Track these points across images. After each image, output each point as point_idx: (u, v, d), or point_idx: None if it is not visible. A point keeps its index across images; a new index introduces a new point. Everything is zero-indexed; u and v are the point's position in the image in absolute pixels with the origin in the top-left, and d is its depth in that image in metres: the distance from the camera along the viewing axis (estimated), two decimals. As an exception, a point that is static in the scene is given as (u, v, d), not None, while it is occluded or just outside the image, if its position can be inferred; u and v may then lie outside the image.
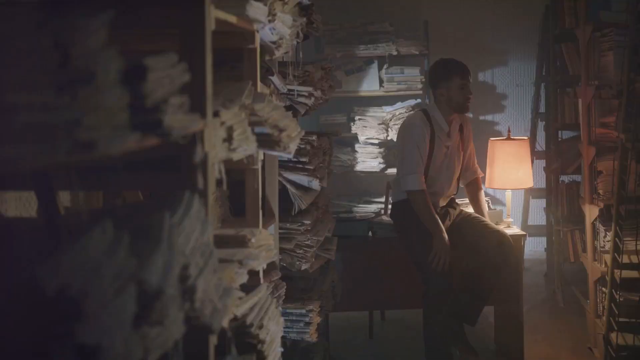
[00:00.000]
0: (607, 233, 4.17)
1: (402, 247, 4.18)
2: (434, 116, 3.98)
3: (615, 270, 3.89)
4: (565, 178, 5.81)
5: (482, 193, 4.21)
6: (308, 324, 3.12)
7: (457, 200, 4.27)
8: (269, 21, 2.21)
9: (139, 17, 1.49)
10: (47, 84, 0.85)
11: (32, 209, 1.92)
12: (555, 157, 5.72)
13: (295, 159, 3.17)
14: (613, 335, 3.90)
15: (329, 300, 3.57)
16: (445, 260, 3.80)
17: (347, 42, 6.26)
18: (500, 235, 3.91)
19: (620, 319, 3.87)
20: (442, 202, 4.09)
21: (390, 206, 4.39)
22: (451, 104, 3.95)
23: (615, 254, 3.89)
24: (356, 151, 6.35)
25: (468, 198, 4.26)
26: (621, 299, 3.87)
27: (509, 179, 4.41)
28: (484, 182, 4.41)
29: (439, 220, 3.90)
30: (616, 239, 3.89)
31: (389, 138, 6.30)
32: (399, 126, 6.29)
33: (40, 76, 0.85)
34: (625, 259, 3.89)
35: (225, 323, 1.52)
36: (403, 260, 4.31)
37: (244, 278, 1.82)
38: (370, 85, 6.35)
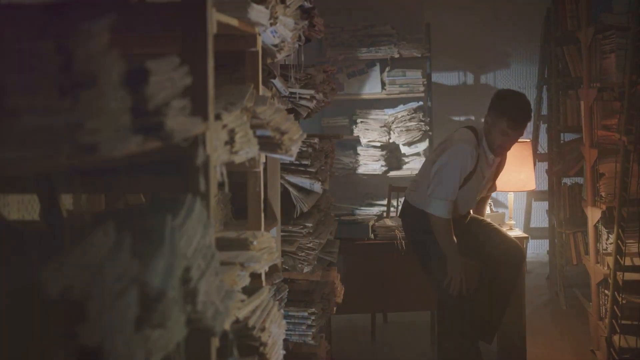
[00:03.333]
0: (610, 235, 4.16)
1: (409, 250, 4.16)
2: (482, 144, 3.71)
3: (618, 273, 3.89)
4: (567, 180, 5.81)
5: (489, 200, 4.19)
6: (310, 326, 3.12)
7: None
8: (271, 24, 2.21)
9: (141, 20, 1.49)
10: (49, 88, 0.86)
11: (35, 212, 1.92)
12: (557, 159, 5.72)
13: (297, 162, 3.18)
14: (616, 337, 3.89)
15: (331, 302, 3.57)
16: (461, 283, 3.66)
17: (349, 45, 6.27)
18: (514, 245, 3.82)
19: (623, 322, 3.86)
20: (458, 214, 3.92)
21: (402, 204, 4.16)
22: (488, 137, 3.68)
23: (618, 257, 3.88)
24: (358, 154, 6.35)
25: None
26: (624, 302, 3.87)
27: (511, 182, 4.41)
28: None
29: (456, 246, 3.71)
30: (618, 241, 3.88)
31: (391, 140, 6.31)
32: (401, 129, 6.35)
33: (43, 80, 0.86)
34: (627, 262, 3.89)
35: (227, 325, 1.52)
36: (405, 262, 4.32)
37: (245, 281, 1.82)
38: (372, 87, 6.36)
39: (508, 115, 3.54)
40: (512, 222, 4.43)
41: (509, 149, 3.71)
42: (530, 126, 6.49)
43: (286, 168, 3.19)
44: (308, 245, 3.24)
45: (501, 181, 4.44)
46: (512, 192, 4.57)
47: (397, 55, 6.22)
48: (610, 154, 4.27)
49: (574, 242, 5.44)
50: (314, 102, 3.16)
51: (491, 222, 4.03)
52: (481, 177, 3.74)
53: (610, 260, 4.03)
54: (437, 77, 6.68)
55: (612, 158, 4.18)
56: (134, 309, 1.04)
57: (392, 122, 6.29)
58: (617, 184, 3.96)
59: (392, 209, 5.72)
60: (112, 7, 0.99)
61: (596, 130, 4.44)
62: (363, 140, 6.31)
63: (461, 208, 3.83)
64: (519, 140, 3.99)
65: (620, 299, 3.87)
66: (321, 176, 3.31)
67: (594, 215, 4.40)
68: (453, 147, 3.67)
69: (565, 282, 5.45)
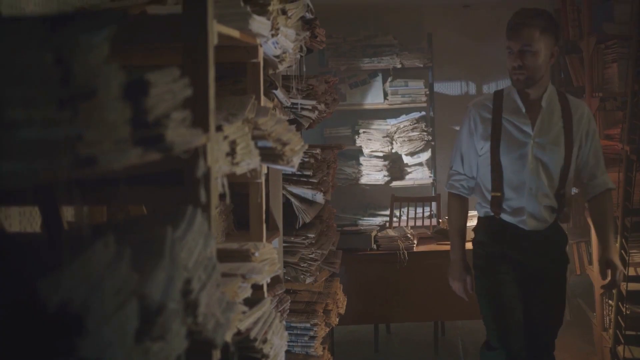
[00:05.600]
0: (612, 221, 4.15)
1: (412, 261, 4.11)
2: (507, 91, 2.98)
3: (622, 283, 3.87)
4: (570, 190, 5.79)
5: (609, 213, 3.03)
6: (312, 337, 3.10)
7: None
8: (272, 35, 2.22)
9: (142, 31, 1.50)
10: (48, 100, 0.86)
11: (36, 224, 1.92)
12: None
13: (299, 173, 3.18)
14: (620, 348, 3.87)
15: (334, 313, 3.56)
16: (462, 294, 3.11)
17: (351, 55, 6.28)
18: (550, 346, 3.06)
19: (627, 332, 3.85)
20: (532, 224, 2.93)
21: None
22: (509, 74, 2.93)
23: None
24: (361, 164, 6.35)
25: (590, 219, 3.18)
26: (628, 312, 3.85)
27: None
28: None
29: (459, 244, 3.09)
30: (622, 251, 3.87)
31: (393, 151, 6.31)
32: (403, 139, 6.35)
33: (42, 92, 0.85)
34: (631, 272, 3.88)
35: (228, 337, 1.51)
36: (408, 273, 4.31)
37: (247, 292, 1.82)
38: (374, 98, 6.36)
39: (508, 28, 2.88)
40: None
41: (520, 72, 2.83)
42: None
43: (288, 179, 3.19)
44: (310, 256, 3.24)
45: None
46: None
47: (399, 66, 6.23)
48: (613, 163, 4.26)
49: (577, 252, 5.42)
50: (316, 112, 3.16)
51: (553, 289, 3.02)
52: (518, 136, 2.89)
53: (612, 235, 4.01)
54: (439, 87, 6.69)
55: (614, 167, 4.17)
56: (134, 322, 1.03)
57: (395, 132, 6.29)
58: (620, 194, 3.95)
59: (394, 219, 5.71)
60: (112, 18, 0.99)
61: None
62: (365, 151, 6.31)
63: (517, 198, 2.90)
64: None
65: (624, 310, 3.86)
66: (323, 187, 3.31)
67: (597, 225, 4.39)
68: None
69: (569, 292, 5.44)
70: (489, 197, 2.95)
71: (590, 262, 4.80)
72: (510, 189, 2.91)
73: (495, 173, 2.92)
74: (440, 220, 5.19)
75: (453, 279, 3.10)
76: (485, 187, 2.98)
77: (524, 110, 2.91)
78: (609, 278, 3.00)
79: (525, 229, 2.92)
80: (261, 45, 2.20)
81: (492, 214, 2.97)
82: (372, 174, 6.32)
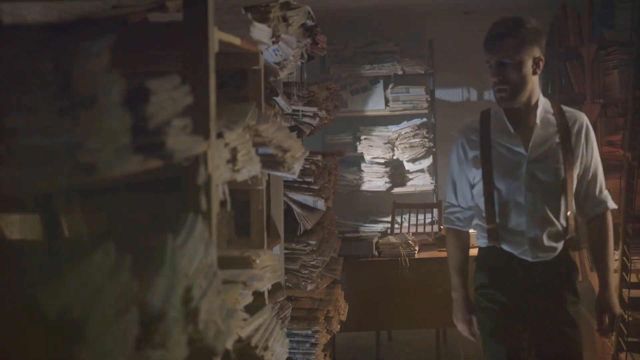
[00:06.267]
0: (615, 252, 4.14)
1: (413, 268, 4.08)
2: (495, 110, 2.69)
3: (624, 290, 3.86)
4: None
5: (609, 237, 2.72)
6: (314, 345, 3.10)
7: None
8: (273, 42, 2.22)
9: (143, 39, 1.50)
10: (49, 108, 0.86)
11: (37, 232, 1.92)
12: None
13: (300, 179, 3.18)
14: (622, 355, 3.86)
15: (335, 320, 3.56)
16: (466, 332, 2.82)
17: (353, 62, 6.28)
18: None
19: (629, 339, 3.83)
20: (536, 254, 2.63)
21: None
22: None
23: (623, 273, 3.86)
24: (362, 170, 6.35)
25: (588, 243, 2.80)
26: (630, 319, 3.84)
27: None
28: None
29: (460, 283, 2.80)
30: (624, 258, 3.87)
31: (394, 157, 6.31)
32: (404, 145, 6.36)
33: (42, 100, 0.86)
34: (633, 278, 3.87)
35: (229, 345, 1.51)
36: (409, 280, 4.30)
37: (248, 299, 1.82)
38: (375, 104, 6.37)
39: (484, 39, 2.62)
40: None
41: (502, 88, 2.56)
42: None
43: (289, 185, 3.19)
44: (311, 263, 3.24)
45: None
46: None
47: (400, 72, 6.24)
48: (614, 170, 4.26)
49: (579, 258, 5.41)
50: (317, 119, 3.16)
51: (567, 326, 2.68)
52: (514, 162, 2.62)
53: (615, 277, 4.01)
54: (440, 94, 6.69)
55: (616, 174, 4.16)
56: (135, 329, 1.03)
57: (396, 139, 6.29)
58: (621, 200, 3.94)
59: (396, 225, 5.70)
60: (113, 26, 0.99)
61: (600, 147, 4.43)
62: (367, 157, 6.31)
63: (515, 221, 2.64)
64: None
65: (626, 316, 3.85)
66: (324, 193, 3.31)
67: (599, 231, 4.38)
68: None
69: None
70: (487, 227, 2.68)
71: (592, 269, 4.79)
72: (508, 217, 2.64)
73: (490, 202, 2.65)
74: (442, 227, 5.19)
75: (457, 319, 2.82)
76: (482, 216, 2.69)
77: (512, 129, 2.62)
78: (606, 323, 2.71)
79: (529, 261, 2.62)
80: (262, 53, 2.20)
81: (492, 244, 2.68)
82: (374, 180, 6.32)
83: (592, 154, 2.67)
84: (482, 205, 2.68)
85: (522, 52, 2.54)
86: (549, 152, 2.62)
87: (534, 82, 2.60)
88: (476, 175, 2.68)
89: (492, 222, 2.66)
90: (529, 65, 2.56)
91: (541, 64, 2.59)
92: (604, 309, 2.73)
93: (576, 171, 2.64)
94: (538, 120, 2.62)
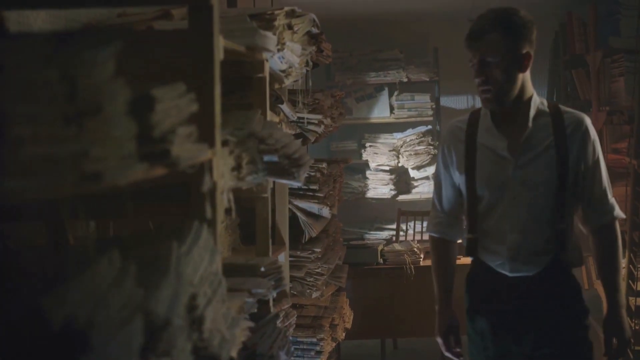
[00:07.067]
0: (621, 260, 4.13)
1: (419, 275, 4.07)
2: (485, 110, 2.45)
3: (630, 298, 3.85)
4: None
5: (617, 250, 2.49)
6: (319, 352, 3.09)
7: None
8: (278, 50, 2.22)
9: (148, 47, 1.50)
10: (54, 116, 0.86)
11: (43, 239, 1.92)
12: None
13: (305, 187, 3.18)
14: (629, 363, 3.84)
15: (340, 328, 3.55)
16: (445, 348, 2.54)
17: (358, 70, 6.29)
18: None
19: (636, 348, 3.82)
20: (515, 268, 2.37)
21: None
22: None
23: (630, 281, 3.85)
24: (367, 178, 6.35)
25: (594, 256, 2.60)
26: (636, 327, 3.83)
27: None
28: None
29: (439, 295, 2.54)
30: (630, 265, 3.85)
31: (399, 164, 6.31)
32: (410, 153, 6.35)
33: (48, 108, 0.86)
34: (639, 286, 3.86)
35: (234, 353, 1.50)
36: (415, 287, 4.29)
37: (253, 307, 1.81)
38: (380, 112, 6.37)
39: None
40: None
41: (486, 89, 2.34)
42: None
43: (294, 193, 3.19)
44: (316, 270, 3.23)
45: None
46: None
47: (405, 80, 6.24)
48: (620, 177, 4.25)
49: (585, 266, 5.39)
50: (322, 126, 3.16)
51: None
52: (495, 161, 2.39)
53: (622, 285, 3.99)
54: (445, 101, 6.68)
55: (622, 182, 4.15)
56: (139, 338, 1.03)
57: (401, 146, 6.29)
58: (627, 208, 3.93)
59: (401, 233, 5.70)
60: (118, 34, 0.99)
61: (606, 154, 4.43)
62: (372, 164, 6.31)
63: (499, 234, 2.38)
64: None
65: (632, 325, 3.83)
66: (329, 201, 3.30)
67: (605, 239, 4.37)
68: None
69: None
70: (466, 237, 2.46)
71: (599, 277, 4.77)
72: (490, 227, 2.39)
73: (472, 210, 2.41)
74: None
75: (435, 334, 2.54)
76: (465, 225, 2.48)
77: (497, 131, 2.38)
78: (615, 346, 2.44)
79: (507, 275, 2.36)
80: (267, 60, 2.21)
81: (471, 256, 2.45)
82: (379, 187, 6.32)
83: (592, 158, 2.40)
84: (464, 213, 2.47)
85: (506, 49, 2.31)
86: (539, 156, 2.36)
87: (524, 80, 2.37)
88: (460, 180, 2.45)
89: (473, 231, 2.42)
90: (515, 62, 2.33)
91: (531, 59, 2.36)
92: (613, 332, 2.45)
93: (571, 178, 2.36)
94: (529, 122, 2.37)
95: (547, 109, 2.42)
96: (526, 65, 2.36)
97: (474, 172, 2.40)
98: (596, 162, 2.42)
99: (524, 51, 2.35)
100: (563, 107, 2.49)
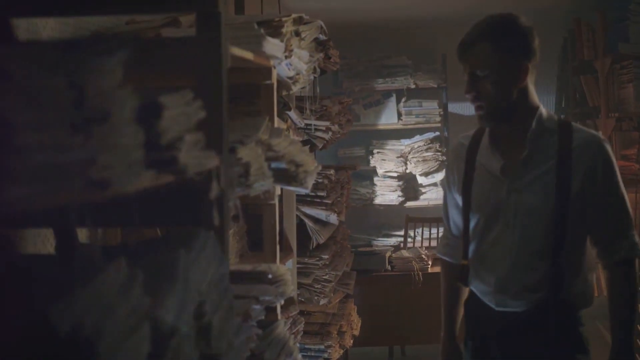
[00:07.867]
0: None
1: (427, 282, 4.07)
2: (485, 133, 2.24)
3: (639, 305, 3.82)
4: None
5: (635, 290, 2.24)
6: (326, 359, 3.08)
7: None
8: (286, 57, 2.22)
9: (156, 54, 1.50)
10: (61, 124, 0.86)
11: (51, 246, 1.92)
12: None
13: (313, 194, 3.18)
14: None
15: (348, 335, 3.54)
16: None
17: (365, 76, 6.29)
18: None
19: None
20: (501, 301, 2.16)
21: None
22: None
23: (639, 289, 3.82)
24: (375, 184, 6.35)
25: (607, 293, 2.30)
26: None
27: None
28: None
29: (445, 320, 2.40)
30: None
31: (407, 171, 6.30)
32: (417, 159, 6.34)
33: (55, 116, 0.86)
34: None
35: (241, 361, 1.50)
36: (422, 294, 4.27)
37: (261, 314, 1.81)
38: (388, 118, 6.37)
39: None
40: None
41: (478, 105, 2.14)
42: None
43: (302, 200, 3.19)
44: (324, 277, 3.23)
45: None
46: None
47: (413, 86, 6.24)
48: (629, 184, 4.22)
49: (595, 273, 5.37)
50: (330, 133, 3.16)
51: None
52: (494, 189, 2.17)
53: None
54: (453, 107, 6.68)
55: (631, 188, 4.13)
56: (147, 346, 1.03)
57: (409, 153, 6.28)
58: (636, 216, 3.91)
59: (409, 239, 5.69)
60: (126, 42, 1.00)
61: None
62: (380, 171, 6.31)
63: (490, 266, 2.18)
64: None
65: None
66: (337, 207, 3.30)
67: (614, 246, 4.35)
68: None
69: (587, 314, 5.37)
70: (459, 263, 2.29)
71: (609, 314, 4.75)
72: (482, 253, 2.19)
73: (467, 234, 2.22)
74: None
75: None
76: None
77: (494, 148, 2.17)
78: None
79: (494, 309, 2.17)
80: (275, 67, 2.21)
81: (464, 285, 2.28)
82: (386, 194, 6.31)
83: (604, 186, 2.12)
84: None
85: (498, 60, 2.08)
86: (538, 179, 2.11)
87: (524, 93, 2.13)
88: (459, 201, 2.26)
89: (465, 256, 2.23)
90: (509, 75, 2.09)
91: (528, 71, 2.12)
92: None
93: (576, 207, 2.09)
94: (530, 139, 2.13)
95: (555, 126, 2.16)
96: (522, 78, 2.11)
97: (470, 193, 2.20)
98: (610, 191, 2.13)
99: (520, 62, 2.11)
100: (576, 125, 2.20)
